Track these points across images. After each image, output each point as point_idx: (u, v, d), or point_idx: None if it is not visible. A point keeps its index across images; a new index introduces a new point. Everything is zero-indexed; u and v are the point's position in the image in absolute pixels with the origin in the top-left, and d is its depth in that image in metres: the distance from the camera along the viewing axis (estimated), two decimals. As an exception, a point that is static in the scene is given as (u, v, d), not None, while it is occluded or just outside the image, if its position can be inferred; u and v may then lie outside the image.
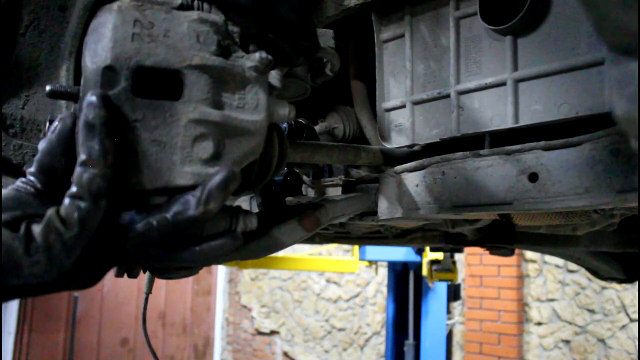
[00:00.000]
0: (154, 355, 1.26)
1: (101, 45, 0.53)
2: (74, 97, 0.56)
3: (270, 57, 0.60)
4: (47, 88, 0.57)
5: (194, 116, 0.55)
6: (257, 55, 0.60)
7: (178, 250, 0.56)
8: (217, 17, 0.60)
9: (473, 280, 5.15)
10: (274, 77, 0.66)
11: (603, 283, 4.33)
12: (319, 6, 0.94)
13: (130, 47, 0.54)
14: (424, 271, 4.02)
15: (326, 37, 0.84)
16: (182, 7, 0.58)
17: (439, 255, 3.91)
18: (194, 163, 0.55)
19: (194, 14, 0.58)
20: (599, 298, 4.48)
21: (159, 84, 0.55)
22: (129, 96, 0.53)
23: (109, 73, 0.53)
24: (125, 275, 0.68)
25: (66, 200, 0.49)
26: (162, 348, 7.55)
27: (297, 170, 1.13)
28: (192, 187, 0.54)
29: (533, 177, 0.75)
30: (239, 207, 0.64)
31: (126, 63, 0.53)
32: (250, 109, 0.59)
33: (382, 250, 4.17)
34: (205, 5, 0.61)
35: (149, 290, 1.17)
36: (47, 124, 0.58)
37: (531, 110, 0.80)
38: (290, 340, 7.20)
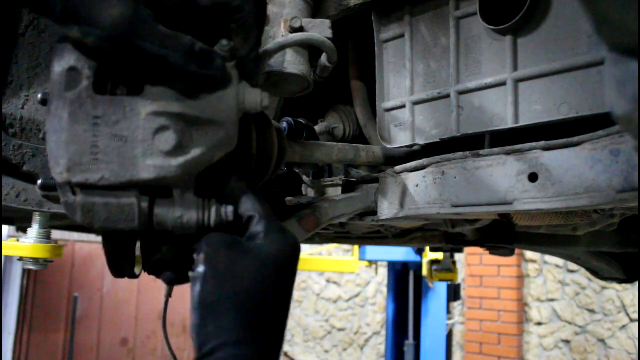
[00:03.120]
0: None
1: (66, 48, 0.55)
2: None
3: (232, 44, 0.57)
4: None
5: (153, 109, 0.55)
6: (222, 42, 0.58)
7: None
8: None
9: (473, 280, 5.15)
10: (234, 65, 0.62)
11: (603, 283, 4.33)
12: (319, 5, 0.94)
13: None
14: (424, 271, 4.02)
15: (323, 28, 0.82)
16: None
17: (439, 255, 3.91)
18: (155, 156, 0.55)
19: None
20: (599, 298, 4.48)
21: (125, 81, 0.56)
22: (90, 94, 0.54)
23: (72, 74, 0.54)
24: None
25: None
26: (162, 348, 7.55)
27: (297, 170, 1.13)
28: (154, 181, 0.55)
29: (533, 177, 0.75)
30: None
31: (87, 63, 0.54)
32: (215, 98, 0.57)
33: (382, 250, 4.16)
34: None
35: (169, 295, 0.90)
36: None
37: (531, 110, 0.80)
38: (290, 340, 7.20)
